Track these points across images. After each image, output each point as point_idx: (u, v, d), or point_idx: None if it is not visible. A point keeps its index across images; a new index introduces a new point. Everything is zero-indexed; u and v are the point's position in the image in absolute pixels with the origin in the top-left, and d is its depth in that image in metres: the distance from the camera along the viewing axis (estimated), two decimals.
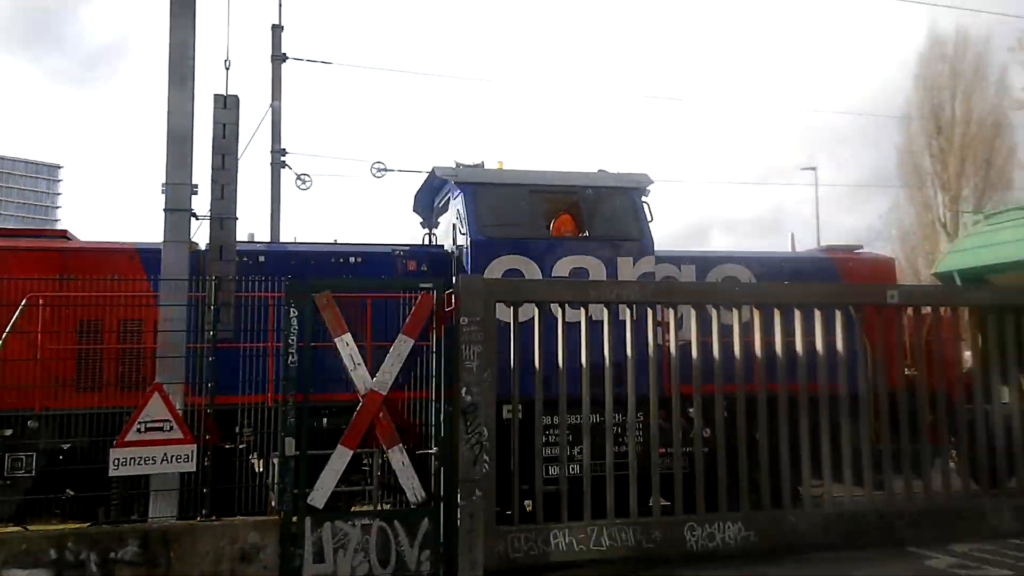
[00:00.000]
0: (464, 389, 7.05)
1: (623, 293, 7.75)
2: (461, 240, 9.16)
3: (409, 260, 9.16)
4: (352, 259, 8.94)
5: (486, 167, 9.69)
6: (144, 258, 8.24)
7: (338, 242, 9.63)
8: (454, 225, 9.37)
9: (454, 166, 9.61)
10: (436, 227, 10.88)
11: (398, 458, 6.96)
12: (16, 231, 9.40)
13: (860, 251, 11.19)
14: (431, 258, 9.37)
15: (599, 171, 9.95)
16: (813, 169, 28.50)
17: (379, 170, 16.26)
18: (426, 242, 10.80)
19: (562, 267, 9.14)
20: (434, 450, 7.09)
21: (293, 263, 8.76)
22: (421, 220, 11.21)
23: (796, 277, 9.95)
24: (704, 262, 9.92)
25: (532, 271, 8.99)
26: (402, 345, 7.05)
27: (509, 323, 7.57)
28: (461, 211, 9.18)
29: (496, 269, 8.86)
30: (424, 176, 10.31)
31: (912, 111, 34.86)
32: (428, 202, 10.88)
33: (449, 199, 9.88)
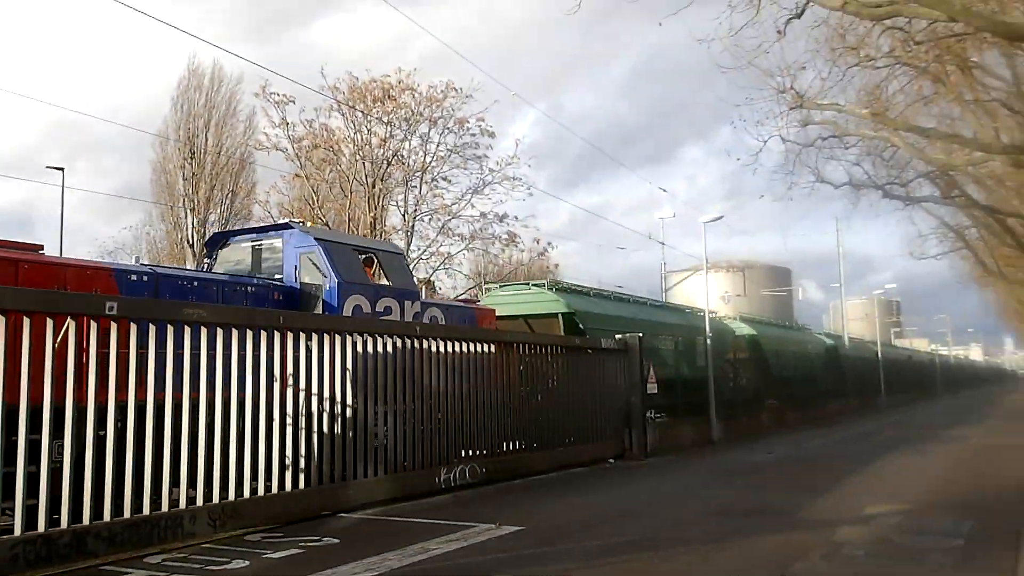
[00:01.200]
0: None
1: None
2: (318, 280, 12.35)
3: (276, 292, 12.10)
4: (247, 288, 11.54)
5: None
6: (118, 277, 10.07)
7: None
8: (297, 266, 12.51)
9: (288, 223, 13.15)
10: (214, 260, 13.43)
11: None
12: None
13: (478, 302, 18.40)
14: (285, 292, 12.29)
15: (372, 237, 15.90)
16: (61, 169, 26.62)
17: None
18: (204, 269, 13.45)
19: (380, 305, 12.94)
20: None
21: (215, 290, 11.13)
22: (207, 251, 13.75)
23: (458, 319, 15.37)
24: (423, 305, 14.34)
25: (366, 307, 12.63)
26: None
27: None
28: (318, 260, 12.33)
29: (348, 304, 12.32)
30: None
31: (170, 131, 35.90)
32: (220, 241, 13.68)
33: (263, 248, 12.95)
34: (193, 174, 35.60)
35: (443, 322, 15.03)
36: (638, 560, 7.72)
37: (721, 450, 20.67)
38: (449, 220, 34.01)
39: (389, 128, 33.53)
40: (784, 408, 30.36)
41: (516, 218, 34.41)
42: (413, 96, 32.96)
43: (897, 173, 19.46)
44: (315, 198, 34.51)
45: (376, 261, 13.74)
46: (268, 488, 9.65)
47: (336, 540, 8.79)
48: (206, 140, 36.01)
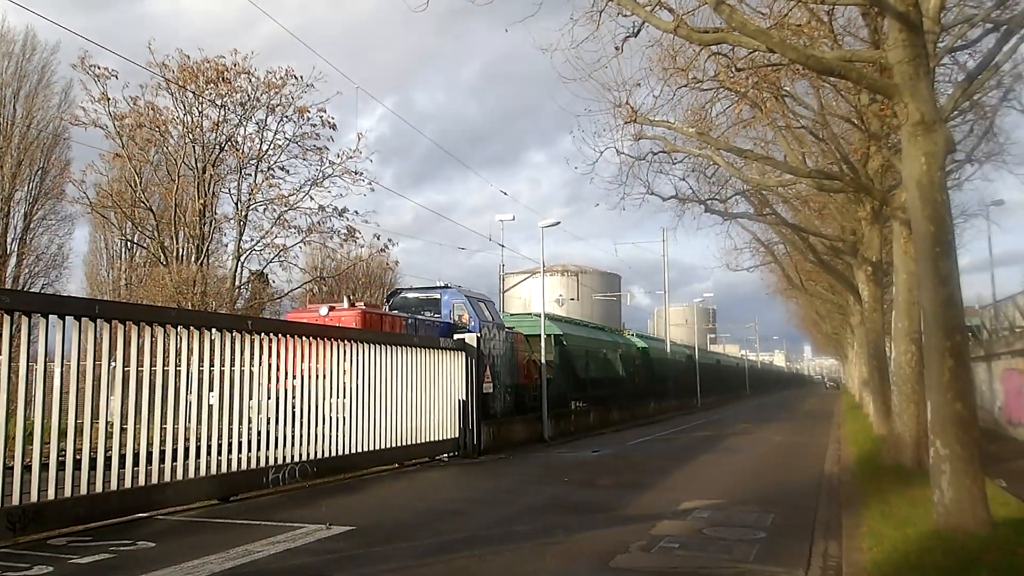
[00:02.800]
0: None
1: None
2: (466, 319, 20.36)
3: (447, 327, 19.83)
4: (437, 324, 19.87)
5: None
6: (407, 321, 18.47)
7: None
8: (451, 311, 20.69)
9: (439, 284, 21.74)
10: (390, 305, 20.99)
11: None
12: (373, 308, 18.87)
13: (512, 328, 24.21)
14: (447, 326, 19.96)
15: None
16: None
17: None
18: (386, 311, 19.15)
19: (491, 332, 20.65)
20: None
21: (430, 325, 19.56)
22: (388, 300, 22.05)
23: (507, 337, 22.59)
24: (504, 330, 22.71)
25: (488, 334, 20.34)
26: None
27: None
28: (469, 309, 20.50)
29: (484, 333, 19.78)
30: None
31: None
32: (396, 293, 22.26)
33: (428, 300, 21.00)
34: None
35: (503, 342, 21.78)
36: (469, 557, 7.82)
37: (552, 448, 21.29)
38: (286, 211, 32.93)
39: (223, 112, 32.03)
40: (659, 403, 39.48)
41: (356, 213, 33.88)
42: (250, 80, 31.67)
43: (718, 190, 20.73)
44: (138, 180, 32.39)
45: (485, 306, 21.60)
46: (76, 488, 8.96)
47: (151, 544, 8.30)
48: (14, 111, 32.86)
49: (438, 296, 20.93)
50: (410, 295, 21.39)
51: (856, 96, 15.15)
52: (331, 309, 16.92)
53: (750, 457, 18.85)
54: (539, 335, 24.74)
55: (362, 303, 18.19)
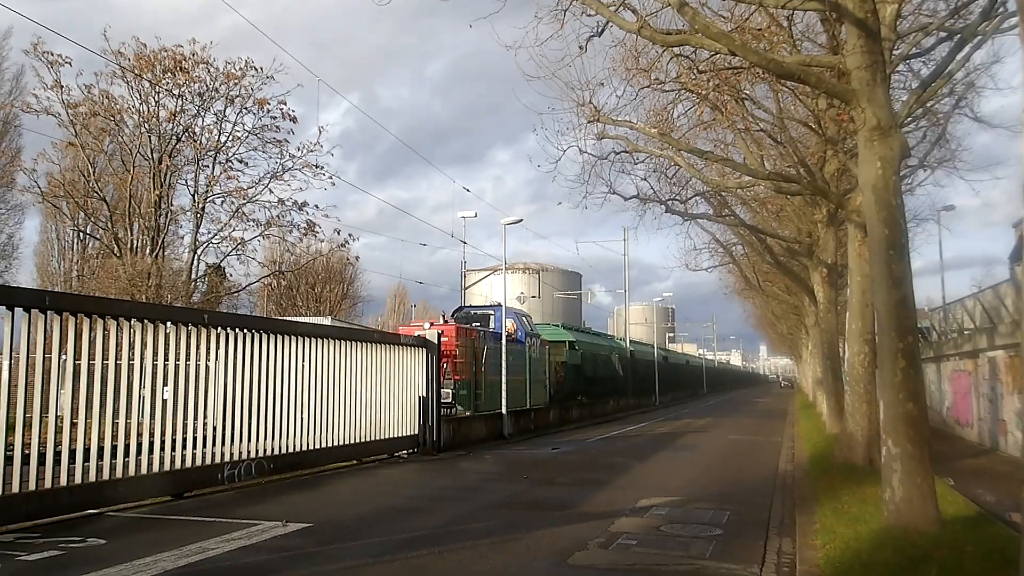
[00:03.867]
0: None
1: None
2: (515, 331, 25.98)
3: (499, 335, 24.33)
4: (495, 334, 24.33)
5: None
6: (478, 332, 23.28)
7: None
8: (502, 324, 25.14)
9: (491, 302, 30.70)
10: (455, 319, 24.56)
11: None
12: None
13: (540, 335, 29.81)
14: (498, 335, 24.21)
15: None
16: None
17: None
18: (446, 320, 23.74)
19: (532, 340, 27.58)
20: None
21: (492, 336, 24.28)
22: (456, 317, 25.35)
23: (539, 344, 29.15)
24: (539, 338, 29.68)
25: (531, 342, 27.29)
26: None
27: None
28: (515, 322, 26.65)
29: (528, 343, 26.71)
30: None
31: None
32: (459, 309, 27.19)
33: (483, 315, 26.46)
34: None
35: (539, 348, 28.17)
36: (427, 555, 7.79)
37: (512, 445, 21.31)
38: (244, 204, 32.45)
39: (180, 102, 31.45)
40: (618, 401, 42.08)
41: (317, 207, 33.52)
42: (208, 71, 31.14)
43: (678, 191, 20.94)
44: (91, 170, 31.66)
45: (525, 319, 27.43)
46: (24, 484, 8.73)
47: (102, 541, 8.13)
48: None
49: (491, 312, 26.80)
50: (470, 311, 27.08)
51: (814, 101, 15.39)
52: (432, 324, 21.02)
53: (707, 455, 19.08)
54: (561, 341, 32.10)
55: (452, 319, 23.18)
